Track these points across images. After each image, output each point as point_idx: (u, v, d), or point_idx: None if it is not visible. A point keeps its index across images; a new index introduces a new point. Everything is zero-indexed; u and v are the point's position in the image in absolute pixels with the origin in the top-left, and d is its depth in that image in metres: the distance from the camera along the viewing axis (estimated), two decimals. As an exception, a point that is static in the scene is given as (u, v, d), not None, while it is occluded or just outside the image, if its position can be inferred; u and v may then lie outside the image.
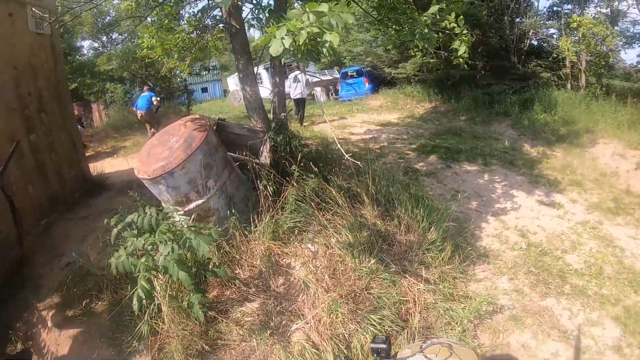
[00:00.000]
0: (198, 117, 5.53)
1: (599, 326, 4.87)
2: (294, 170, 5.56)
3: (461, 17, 5.61)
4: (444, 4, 6.99)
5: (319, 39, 2.84)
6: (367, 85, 20.69)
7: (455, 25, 5.65)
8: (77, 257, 5.27)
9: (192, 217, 4.23)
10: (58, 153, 7.28)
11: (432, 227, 5.62)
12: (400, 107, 16.52)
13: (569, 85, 13.99)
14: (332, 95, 23.45)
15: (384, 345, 1.89)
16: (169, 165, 4.57)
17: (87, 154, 10.66)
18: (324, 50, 2.95)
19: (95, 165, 9.32)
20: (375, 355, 1.90)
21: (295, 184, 5.49)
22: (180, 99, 21.37)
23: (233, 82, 37.78)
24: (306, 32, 2.77)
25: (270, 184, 5.35)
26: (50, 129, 7.17)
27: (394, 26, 6.90)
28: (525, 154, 10.14)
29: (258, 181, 5.37)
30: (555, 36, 15.22)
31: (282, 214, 5.37)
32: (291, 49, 2.86)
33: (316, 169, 5.86)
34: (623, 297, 5.30)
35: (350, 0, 7.16)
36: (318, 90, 24.29)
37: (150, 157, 4.79)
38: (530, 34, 15.04)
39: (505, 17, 15.41)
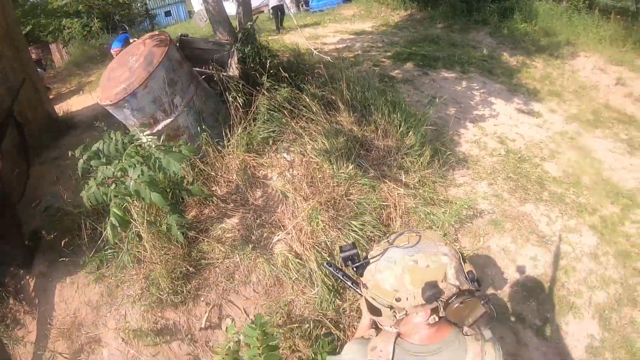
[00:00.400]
0: (157, 33, 5.10)
1: (577, 233, 4.86)
2: (265, 80, 5.30)
3: None
4: None
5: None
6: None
7: None
8: (50, 199, 5.03)
9: (162, 137, 4.00)
10: (18, 99, 6.36)
11: (410, 132, 5.37)
12: (374, 15, 15.73)
13: (551, -5, 13.48)
14: (302, 6, 22.21)
15: (355, 250, 1.77)
16: (131, 86, 4.26)
17: (51, 96, 10.03)
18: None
19: (61, 106, 8.67)
20: (349, 263, 1.76)
21: (266, 93, 5.21)
22: (143, 25, 20.16)
23: (197, 1, 35.78)
24: None
25: (239, 95, 5.11)
26: (5, 75, 6.45)
27: None
28: (504, 62, 9.79)
29: (227, 94, 5.11)
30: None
31: (254, 125, 5.11)
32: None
33: (287, 78, 5.63)
34: (600, 207, 5.27)
35: None
36: (287, 1, 23.08)
37: (110, 81, 4.45)
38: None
39: None
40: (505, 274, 4.33)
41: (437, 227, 4.35)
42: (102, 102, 4.43)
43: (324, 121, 5.11)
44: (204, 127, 4.74)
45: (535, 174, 5.60)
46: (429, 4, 14.42)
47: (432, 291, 1.46)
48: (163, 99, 4.48)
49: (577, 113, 7.48)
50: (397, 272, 1.52)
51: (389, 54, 10.20)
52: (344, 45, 11.63)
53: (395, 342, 1.63)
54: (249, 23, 6.42)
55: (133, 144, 3.61)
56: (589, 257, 4.58)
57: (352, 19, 15.71)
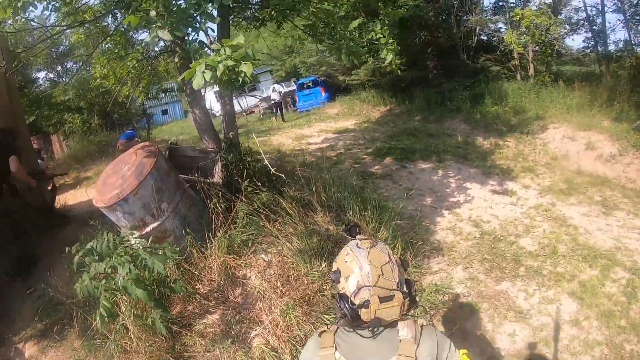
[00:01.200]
0: (148, 144, 5.70)
1: (556, 302, 4.83)
2: (245, 186, 5.66)
3: (386, 27, 5.60)
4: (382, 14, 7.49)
5: (236, 69, 3.03)
6: (323, 94, 20.68)
7: (381, 35, 5.62)
8: (46, 289, 5.20)
9: (150, 239, 4.38)
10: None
11: (382, 227, 5.54)
12: (357, 112, 16.48)
13: (518, 76, 14.19)
14: (290, 106, 23.40)
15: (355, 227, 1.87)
16: (123, 192, 4.67)
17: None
18: (240, 79, 3.14)
19: (58, 198, 8.97)
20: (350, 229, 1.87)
21: (245, 199, 5.55)
22: (140, 124, 20.99)
23: None
24: (223, 66, 2.98)
25: (220, 201, 5.43)
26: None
27: (326, 41, 6.87)
28: (478, 147, 10.18)
29: (209, 201, 5.43)
30: (502, 30, 15.50)
31: (234, 229, 5.39)
32: (212, 81, 3.03)
33: (262, 183, 5.91)
34: (578, 273, 5.28)
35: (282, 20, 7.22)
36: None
37: (105, 186, 4.91)
38: (477, 30, 15.25)
39: (452, 16, 15.61)
40: (483, 353, 4.30)
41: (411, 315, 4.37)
42: (97, 204, 4.78)
43: (300, 223, 5.35)
44: (188, 230, 4.99)
45: (510, 252, 5.67)
46: (406, 99, 15.19)
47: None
48: (152, 204, 4.82)
49: (550, 185, 7.68)
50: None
51: (369, 150, 10.60)
52: (328, 144, 12.14)
53: (335, 333, 1.73)
54: (231, 133, 6.89)
55: (123, 245, 3.93)
56: (570, 324, 4.52)
57: (336, 118, 16.42)
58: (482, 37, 16.00)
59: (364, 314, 1.60)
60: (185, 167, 6.38)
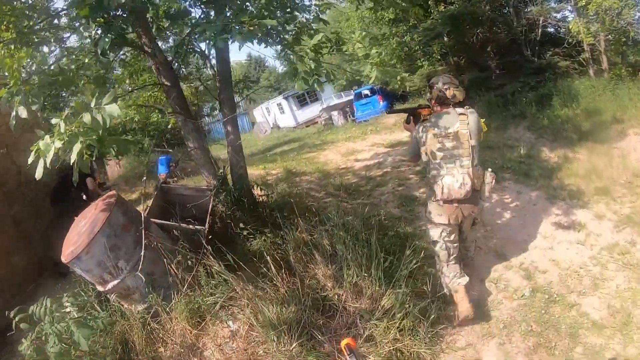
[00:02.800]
0: (111, 194, 5.22)
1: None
2: (242, 230, 5.50)
3: (365, 34, 4.34)
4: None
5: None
6: (381, 102, 19.94)
7: (361, 45, 4.24)
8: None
9: (113, 296, 4.59)
10: (44, 218, 7.70)
11: (388, 290, 4.40)
12: (414, 122, 15.22)
13: (591, 71, 12.28)
14: (349, 117, 22.62)
15: None
16: (76, 250, 4.42)
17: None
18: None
19: None
20: None
21: (227, 250, 4.86)
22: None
23: (259, 113, 37.90)
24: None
25: (188, 257, 4.95)
26: (34, 197, 7.69)
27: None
28: (543, 161, 8.68)
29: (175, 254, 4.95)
30: (569, 19, 13.51)
31: (204, 288, 4.75)
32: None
33: (266, 223, 5.78)
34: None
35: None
36: (335, 114, 23.66)
37: (68, 240, 4.72)
38: (541, 21, 13.47)
39: (510, 8, 14.00)
40: None
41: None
42: (62, 258, 4.57)
43: (282, 285, 4.54)
44: (151, 290, 4.64)
45: (567, 320, 4.32)
46: (466, 105, 13.71)
47: None
48: (107, 262, 4.52)
49: (630, 213, 6.14)
50: None
51: (418, 168, 9.45)
52: (376, 160, 11.32)
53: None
54: (220, 171, 6.44)
55: (53, 313, 3.99)
56: None
57: (392, 128, 15.54)
58: (547, 28, 14.17)
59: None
60: (182, 205, 6.25)
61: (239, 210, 6.29)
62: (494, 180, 4.35)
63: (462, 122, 4.07)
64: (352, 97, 23.53)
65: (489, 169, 4.41)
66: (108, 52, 4.87)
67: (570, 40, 12.27)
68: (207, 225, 5.74)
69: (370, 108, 20.33)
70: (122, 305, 4.74)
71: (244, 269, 4.63)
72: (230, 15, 3.64)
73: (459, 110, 4.20)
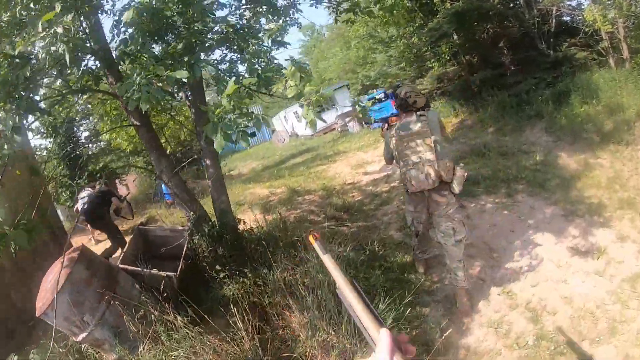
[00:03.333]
0: (75, 248, 5.05)
1: None
2: (219, 272, 5.08)
3: (295, 69, 3.49)
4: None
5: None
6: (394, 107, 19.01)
7: (292, 84, 3.15)
8: None
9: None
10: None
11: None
12: (427, 127, 14.49)
13: (611, 61, 11.25)
14: (364, 123, 21.88)
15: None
16: (43, 307, 4.45)
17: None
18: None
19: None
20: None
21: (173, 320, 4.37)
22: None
23: (278, 122, 37.51)
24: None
25: (151, 309, 4.58)
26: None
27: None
28: (561, 168, 7.86)
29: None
30: (584, 6, 12.46)
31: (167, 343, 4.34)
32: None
33: (247, 262, 5.43)
34: None
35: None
36: (349, 121, 23.01)
37: (39, 294, 4.72)
38: (554, 11, 12.49)
39: (519, 0, 13.10)
40: None
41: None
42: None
43: (247, 340, 3.98)
44: (121, 340, 4.59)
45: (579, 380, 3.62)
46: (478, 106, 12.86)
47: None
48: (72, 317, 4.48)
49: (659, 233, 5.36)
50: None
51: None
52: (384, 173, 10.86)
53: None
54: (192, 213, 6.06)
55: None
56: None
57: (404, 135, 14.65)
58: (562, 18, 13.16)
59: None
60: (160, 246, 6.15)
61: (222, 247, 5.87)
62: (465, 175, 4.63)
63: (423, 122, 4.53)
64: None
65: (461, 164, 4.87)
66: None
67: (586, 30, 11.31)
68: (178, 271, 5.45)
69: (385, 113, 19.53)
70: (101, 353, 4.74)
71: (213, 319, 4.25)
72: (143, 73, 3.02)
73: (420, 112, 4.64)
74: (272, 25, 4.13)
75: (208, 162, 6.22)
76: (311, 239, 1.15)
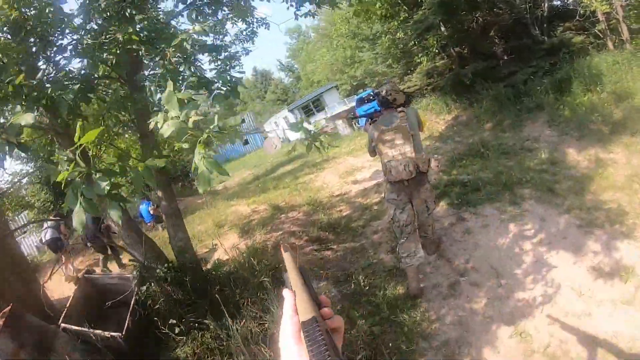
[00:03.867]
0: (3, 313, 4.33)
1: None
2: (174, 327, 4.45)
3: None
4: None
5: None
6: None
7: None
8: None
9: None
10: None
11: None
12: (419, 125, 13.65)
13: (610, 44, 10.37)
14: (355, 124, 20.96)
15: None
16: None
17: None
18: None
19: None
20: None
21: None
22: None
23: (269, 127, 36.78)
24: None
25: None
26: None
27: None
28: (570, 167, 6.97)
29: None
30: (577, -14, 11.61)
31: None
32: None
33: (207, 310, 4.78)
34: None
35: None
36: (340, 123, 22.13)
37: None
38: (546, -6, 11.61)
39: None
40: None
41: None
42: None
43: None
44: None
45: None
46: (472, 100, 11.97)
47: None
48: None
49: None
50: None
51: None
52: (374, 182, 10.02)
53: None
54: (132, 264, 5.71)
55: None
56: None
57: (395, 136, 13.84)
58: (554, 1, 12.27)
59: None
60: (110, 294, 5.48)
61: (182, 291, 5.10)
62: (438, 165, 4.99)
63: (402, 118, 4.78)
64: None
65: (435, 155, 5.47)
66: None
67: (582, 12, 10.41)
68: (124, 331, 4.68)
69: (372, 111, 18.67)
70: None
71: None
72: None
73: (400, 109, 4.88)
74: (196, 26, 3.20)
75: (160, 194, 5.37)
76: (282, 250, 1.10)
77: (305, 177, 13.57)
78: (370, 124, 5.25)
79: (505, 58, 12.54)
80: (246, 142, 42.75)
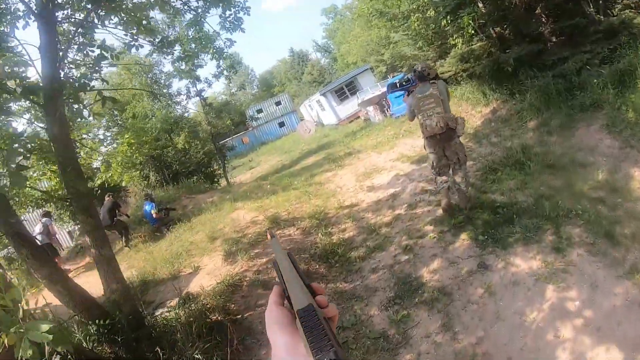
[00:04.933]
0: None
1: None
2: None
3: None
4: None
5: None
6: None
7: None
8: None
9: None
10: None
11: None
12: (453, 117, 12.08)
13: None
14: (387, 111, 19.17)
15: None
16: None
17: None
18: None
19: None
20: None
21: None
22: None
23: (305, 111, 35.69)
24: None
25: None
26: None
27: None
28: (636, 198, 5.17)
29: None
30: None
31: None
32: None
33: None
34: None
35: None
36: (371, 110, 20.51)
37: None
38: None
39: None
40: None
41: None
42: None
43: None
44: None
45: None
46: (514, 91, 10.06)
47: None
48: None
49: None
50: None
51: (440, 211, 6.69)
52: (393, 190, 8.77)
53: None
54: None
55: None
56: None
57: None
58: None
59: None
60: None
61: (118, 348, 4.28)
62: (464, 123, 6.15)
63: (434, 87, 6.03)
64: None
65: (461, 116, 6.47)
66: None
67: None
68: None
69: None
70: None
71: None
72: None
73: (432, 81, 6.14)
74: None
75: (88, 239, 4.31)
76: (269, 236, 1.10)
77: (321, 176, 12.50)
78: (408, 95, 6.61)
79: (554, 41, 10.50)
80: (282, 124, 41.85)
